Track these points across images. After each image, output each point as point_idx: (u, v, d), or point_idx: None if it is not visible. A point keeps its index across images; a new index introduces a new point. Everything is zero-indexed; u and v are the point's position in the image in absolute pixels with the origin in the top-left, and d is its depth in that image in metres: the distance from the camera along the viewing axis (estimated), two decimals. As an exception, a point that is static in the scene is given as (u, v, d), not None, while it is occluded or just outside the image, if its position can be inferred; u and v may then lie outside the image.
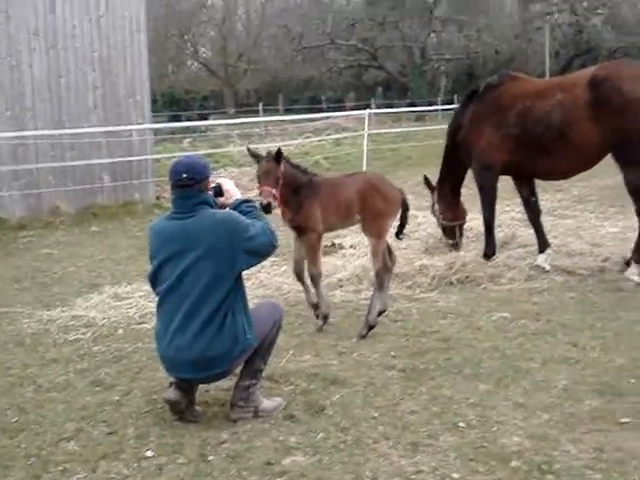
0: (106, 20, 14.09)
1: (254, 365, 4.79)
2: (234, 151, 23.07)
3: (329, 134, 27.08)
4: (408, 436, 4.47)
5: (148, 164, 14.94)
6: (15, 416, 4.98)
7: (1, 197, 12.65)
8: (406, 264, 8.35)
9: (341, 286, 8.03)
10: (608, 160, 7.93)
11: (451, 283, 7.97)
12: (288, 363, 5.79)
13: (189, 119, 38.92)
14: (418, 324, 6.72)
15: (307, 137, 26.24)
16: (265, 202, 5.78)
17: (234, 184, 5.13)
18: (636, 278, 7.65)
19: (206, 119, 37.72)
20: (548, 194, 13.46)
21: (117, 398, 5.24)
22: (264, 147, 23.50)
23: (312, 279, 6.56)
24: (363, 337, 6.35)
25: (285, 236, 7.80)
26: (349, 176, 6.86)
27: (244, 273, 7.24)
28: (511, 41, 45.67)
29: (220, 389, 5.18)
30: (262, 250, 4.70)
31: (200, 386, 4.98)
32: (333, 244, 9.67)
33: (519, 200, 9.07)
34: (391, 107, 34.66)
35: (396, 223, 6.89)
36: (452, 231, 9.08)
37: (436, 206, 9.15)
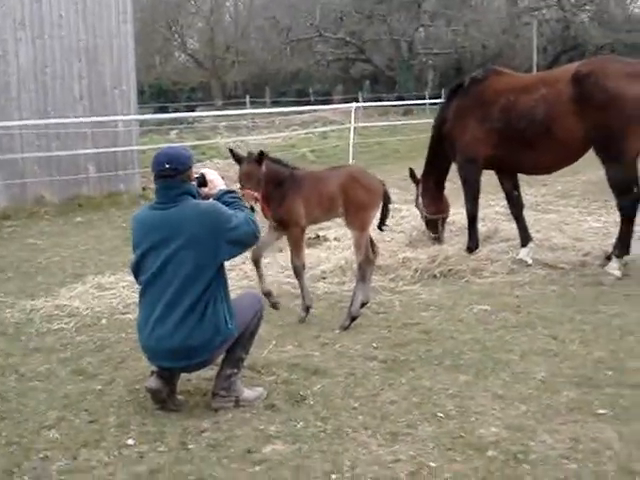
0: (92, 10, 14.03)
1: (235, 355, 4.83)
2: (221, 143, 23.05)
3: (316, 127, 27.10)
4: (387, 426, 4.51)
5: (134, 155, 14.91)
6: (-3, 404, 5.00)
7: (-14, 187, 12.62)
8: (389, 257, 8.40)
9: (324, 278, 8.06)
10: (592, 155, 7.98)
11: (434, 276, 8.02)
12: (270, 354, 5.82)
13: (176, 110, 38.83)
14: (400, 316, 6.77)
15: (294, 130, 26.26)
16: (248, 206, 5.77)
17: (218, 175, 5.17)
18: (616, 272, 7.73)
19: (193, 111, 37.66)
20: (532, 189, 13.56)
21: (99, 387, 5.26)
22: (251, 139, 23.63)
23: (295, 271, 6.59)
24: (345, 328, 6.39)
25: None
26: (331, 169, 6.89)
27: (228, 264, 7.27)
28: (499, 36, 45.78)
29: (202, 378, 5.22)
30: (245, 240, 4.73)
31: (182, 375, 5.00)
32: (317, 236, 9.71)
33: (503, 194, 9.12)
34: (379, 101, 34.72)
35: (378, 216, 6.92)
36: (435, 224, 9.13)
37: (420, 199, 9.20)
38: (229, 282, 7.41)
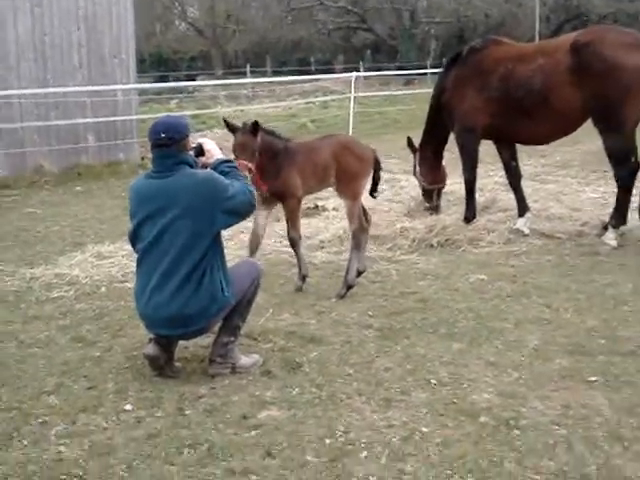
0: (91, -23, 13.95)
1: (232, 322, 4.88)
2: (221, 112, 22.99)
3: (317, 96, 27.02)
4: (381, 392, 4.59)
5: (133, 124, 14.89)
6: (-4, 371, 5.07)
7: (-15, 156, 12.62)
8: (387, 227, 8.45)
9: (323, 247, 8.11)
10: (591, 125, 7.97)
11: (431, 246, 8.07)
12: (267, 322, 5.88)
13: (177, 79, 38.62)
14: (397, 285, 6.82)
15: (295, 99, 26.18)
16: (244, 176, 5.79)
17: (215, 144, 5.19)
18: (612, 242, 7.77)
19: (194, 80, 37.46)
20: (531, 159, 13.56)
21: (98, 354, 5.33)
22: (252, 108, 23.56)
23: (292, 242, 6.62)
24: (342, 297, 6.45)
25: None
26: (322, 139, 6.87)
27: (226, 233, 7.33)
28: (501, 5, 45.39)
29: (199, 346, 5.28)
30: (241, 209, 4.76)
31: (180, 342, 5.06)
32: (316, 206, 9.74)
33: (501, 165, 9.13)
34: (380, 70, 34.53)
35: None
36: (430, 194, 9.17)
37: (418, 168, 9.22)
38: (228, 251, 7.53)
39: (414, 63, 38.40)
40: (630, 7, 42.50)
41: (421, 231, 8.21)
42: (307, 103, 25.28)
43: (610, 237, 7.84)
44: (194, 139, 5.07)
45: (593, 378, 4.70)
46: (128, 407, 4.47)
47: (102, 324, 5.98)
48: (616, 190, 8.04)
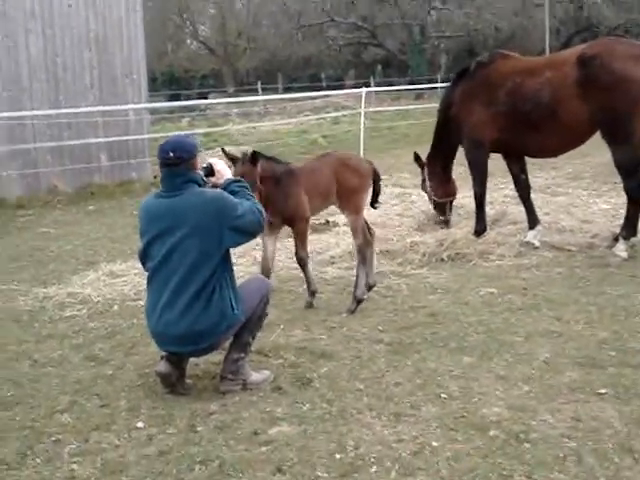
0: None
1: (243, 339, 4.92)
2: (232, 130, 23.14)
3: (328, 112, 27.12)
4: (391, 407, 4.60)
5: (145, 143, 15.03)
6: (11, 390, 5.11)
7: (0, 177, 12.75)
8: (398, 241, 8.49)
9: (333, 263, 8.14)
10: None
11: (442, 260, 8.09)
12: (278, 337, 5.92)
13: (189, 98, 38.86)
14: (407, 299, 6.84)
15: (306, 115, 26.30)
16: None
17: (225, 164, 5.24)
18: (623, 254, 7.75)
19: (206, 98, 37.68)
20: (543, 171, 13.57)
21: (110, 372, 5.37)
22: (263, 125, 23.68)
23: (301, 262, 6.63)
24: (352, 312, 6.48)
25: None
26: (319, 158, 6.90)
27: (238, 250, 7.37)
28: (511, 18, 45.44)
29: (210, 362, 5.32)
30: (250, 228, 4.79)
31: (191, 359, 5.12)
32: (327, 222, 9.78)
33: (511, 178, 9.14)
34: (390, 85, 34.63)
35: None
36: (443, 207, 9.21)
37: (427, 182, 9.26)
38: (240, 268, 7.59)
39: (425, 77, 38.53)
40: (641, 18, 42.48)
41: (431, 245, 8.24)
42: (318, 119, 25.38)
43: (621, 249, 7.82)
44: (205, 159, 5.12)
45: (603, 390, 4.69)
46: (140, 424, 4.51)
47: (114, 342, 6.03)
48: (626, 202, 8.03)
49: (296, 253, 6.63)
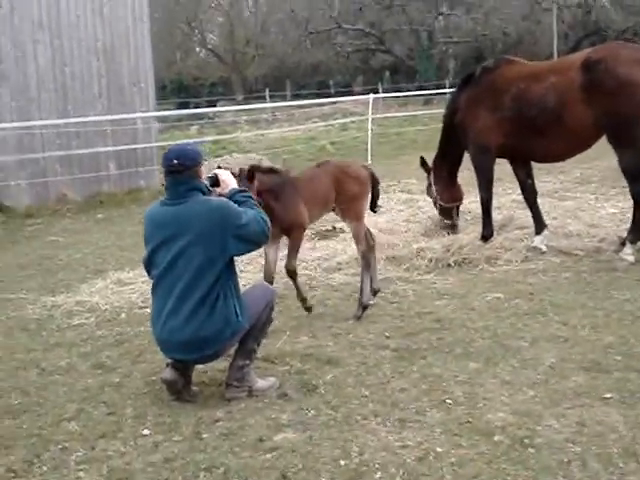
0: (108, 10, 14.23)
1: (248, 346, 4.94)
2: (241, 137, 23.21)
3: (336, 119, 27.16)
4: (396, 413, 4.60)
5: (153, 151, 15.11)
6: (18, 398, 5.14)
7: (9, 186, 12.85)
8: (404, 247, 8.49)
9: (340, 269, 8.16)
10: (609, 142, 8.00)
11: (448, 265, 8.09)
12: (284, 344, 5.93)
13: (198, 106, 38.98)
14: (413, 305, 6.85)
15: (314, 122, 26.34)
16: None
17: (230, 175, 5.26)
18: (630, 258, 7.74)
19: (215, 106, 37.81)
20: (551, 176, 13.56)
21: (117, 380, 5.40)
22: (271, 132, 23.74)
23: (291, 273, 6.47)
24: (358, 318, 6.49)
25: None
26: (318, 167, 6.87)
27: (245, 258, 7.38)
28: (519, 23, 45.45)
29: (216, 370, 5.34)
30: (254, 238, 4.80)
31: (197, 366, 5.14)
32: (334, 228, 9.80)
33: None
34: (399, 91, 34.64)
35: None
36: (449, 212, 9.22)
37: (433, 187, 9.27)
38: (247, 275, 7.61)
39: (433, 83, 38.56)
40: (649, 21, 42.40)
41: (438, 251, 8.24)
42: (326, 125, 25.43)
43: (627, 253, 7.81)
44: (213, 167, 5.14)
45: (608, 395, 4.69)
46: (146, 432, 4.53)
47: (122, 350, 6.06)
48: (633, 206, 8.02)
49: (287, 264, 6.47)
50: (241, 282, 6.96)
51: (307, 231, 9.40)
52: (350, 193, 6.55)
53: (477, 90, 8.60)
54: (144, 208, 12.60)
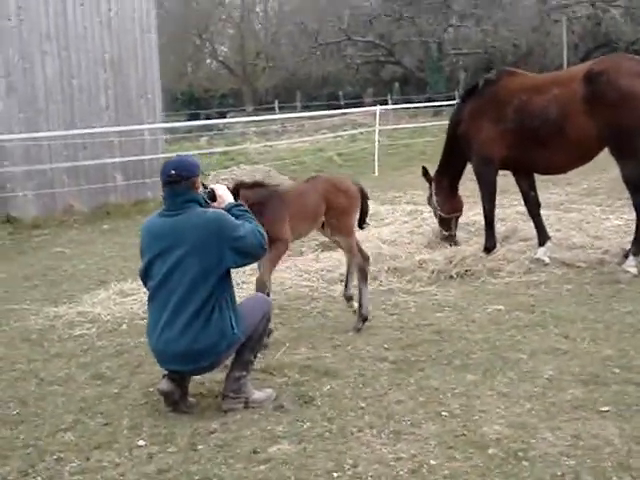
0: (116, 22, 14.33)
1: (244, 357, 4.94)
2: (250, 148, 23.27)
3: (345, 130, 27.20)
4: (392, 425, 4.59)
5: (160, 163, 15.08)
6: (16, 408, 5.16)
7: (16, 197, 12.92)
8: (406, 258, 8.48)
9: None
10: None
11: (451, 277, 8.08)
12: (283, 355, 5.93)
13: (208, 117, 39.14)
14: (414, 317, 6.84)
15: (323, 133, 26.40)
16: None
17: (227, 190, 5.28)
18: (633, 270, 7.71)
19: (225, 117, 37.94)
20: (558, 187, 13.54)
21: (116, 391, 5.41)
22: (280, 144, 23.81)
23: (260, 287, 6.17)
24: (358, 330, 6.48)
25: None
26: (308, 181, 6.81)
27: (248, 269, 7.37)
28: (529, 34, 45.33)
29: (214, 381, 5.34)
30: (251, 250, 4.80)
31: (195, 378, 5.15)
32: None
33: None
34: (408, 102, 34.69)
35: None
36: (448, 223, 9.22)
37: (434, 198, 9.28)
38: (247, 286, 7.61)
39: (443, 94, 38.56)
40: (660, 32, 42.32)
41: (440, 263, 8.23)
42: (335, 137, 25.46)
43: (631, 265, 7.78)
44: (219, 179, 5.15)
45: (605, 408, 4.66)
46: (141, 443, 4.54)
47: (122, 361, 6.07)
48: (636, 217, 8.00)
49: (259, 278, 6.27)
50: (243, 293, 7.05)
51: (311, 242, 9.50)
52: (340, 207, 6.51)
53: (480, 102, 8.62)
54: (150, 219, 12.78)
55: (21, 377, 5.79)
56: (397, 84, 50.65)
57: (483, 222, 8.98)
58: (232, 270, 4.94)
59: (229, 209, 4.99)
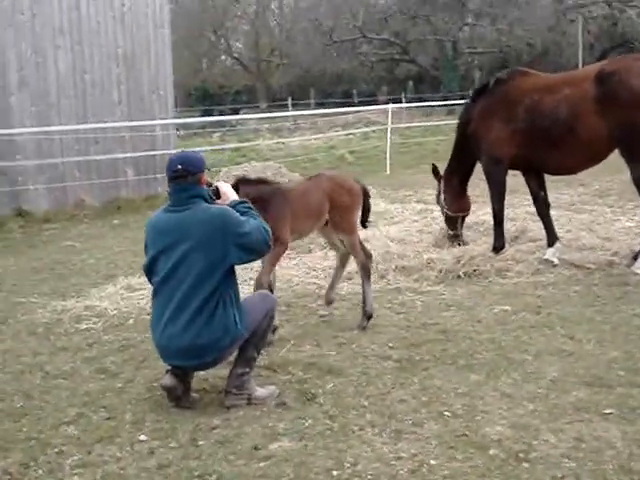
0: (129, 17, 14.36)
1: (247, 353, 4.94)
2: (262, 145, 23.29)
3: (357, 128, 27.18)
4: (393, 424, 4.58)
5: (171, 158, 15.17)
6: (21, 401, 5.18)
7: (27, 190, 12.97)
8: (415, 257, 8.45)
9: (350, 279, 8.13)
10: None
11: (458, 276, 8.05)
12: (288, 353, 5.93)
13: (222, 113, 39.17)
14: (420, 316, 6.82)
15: (336, 131, 26.38)
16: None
17: (231, 187, 5.28)
18: (642, 272, 7.68)
19: (238, 113, 37.97)
20: (570, 188, 13.47)
21: (119, 385, 5.43)
22: (293, 140, 23.81)
23: (259, 286, 6.10)
24: (363, 328, 6.47)
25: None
26: (310, 179, 6.77)
27: (256, 265, 7.38)
28: (544, 34, 45.17)
29: (217, 377, 5.34)
30: (256, 247, 4.80)
31: (199, 373, 5.16)
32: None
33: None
34: (422, 101, 34.61)
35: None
36: (454, 221, 9.21)
37: (442, 196, 9.26)
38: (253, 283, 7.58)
39: (457, 93, 38.45)
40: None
41: (448, 262, 8.20)
42: (347, 134, 25.44)
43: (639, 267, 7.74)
44: (230, 175, 5.15)
45: (609, 410, 4.63)
46: (143, 437, 4.54)
47: (127, 355, 6.09)
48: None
49: (258, 277, 6.24)
50: (250, 290, 7.04)
51: (319, 240, 9.47)
52: (343, 205, 6.49)
53: (491, 101, 8.58)
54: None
55: (26, 370, 5.81)
56: (411, 82, 50.54)
57: (492, 222, 8.96)
58: (239, 267, 4.95)
59: (233, 206, 4.99)
